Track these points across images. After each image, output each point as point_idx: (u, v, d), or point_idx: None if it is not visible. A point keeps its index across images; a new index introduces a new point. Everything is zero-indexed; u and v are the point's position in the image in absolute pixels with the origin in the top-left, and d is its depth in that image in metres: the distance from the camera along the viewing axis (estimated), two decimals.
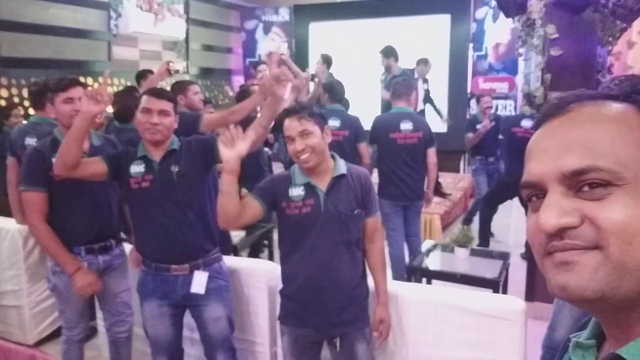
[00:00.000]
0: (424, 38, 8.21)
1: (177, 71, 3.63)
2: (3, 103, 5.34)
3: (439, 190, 5.90)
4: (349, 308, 1.96)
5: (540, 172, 0.54)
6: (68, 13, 6.28)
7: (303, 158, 1.89)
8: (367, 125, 4.04)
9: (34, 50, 5.78)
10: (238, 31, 9.72)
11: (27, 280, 3.12)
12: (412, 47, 6.58)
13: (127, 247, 2.62)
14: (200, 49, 8.70)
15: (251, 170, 3.78)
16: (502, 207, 4.92)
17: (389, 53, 5.52)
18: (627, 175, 0.49)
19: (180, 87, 3.60)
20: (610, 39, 3.26)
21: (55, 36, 5.99)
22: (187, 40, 8.23)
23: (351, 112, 4.29)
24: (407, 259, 3.78)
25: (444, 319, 2.13)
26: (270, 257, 4.16)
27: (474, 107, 7.92)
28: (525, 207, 4.63)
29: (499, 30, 7.93)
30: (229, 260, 2.56)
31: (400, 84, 4.02)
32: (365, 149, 3.96)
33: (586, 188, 0.50)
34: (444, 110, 7.24)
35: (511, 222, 5.30)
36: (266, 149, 5.05)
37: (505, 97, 7.83)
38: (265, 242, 4.34)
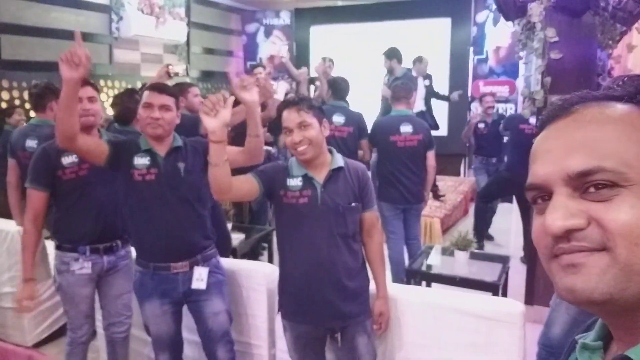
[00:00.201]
0: (425, 41, 8.22)
1: (176, 74, 3.64)
2: (4, 105, 5.35)
3: (435, 193, 5.90)
4: (348, 301, 1.96)
5: (545, 174, 0.54)
6: (69, 16, 6.29)
7: (300, 150, 1.89)
8: (368, 127, 4.06)
9: (35, 53, 5.79)
10: (239, 34, 9.75)
11: None
12: (412, 51, 6.58)
13: (133, 249, 2.62)
14: (201, 52, 8.72)
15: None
16: (501, 211, 4.91)
17: (392, 55, 5.53)
18: (633, 176, 0.49)
19: (180, 89, 3.60)
20: (610, 42, 3.26)
21: (57, 39, 6.00)
22: (188, 43, 8.25)
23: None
24: (406, 262, 3.78)
25: (443, 322, 2.12)
26: (270, 260, 4.15)
27: (474, 110, 7.93)
28: (523, 207, 4.63)
29: (499, 34, 7.93)
30: (228, 263, 2.57)
31: (399, 87, 4.03)
32: (366, 146, 4.01)
33: (592, 189, 0.50)
34: (446, 110, 7.23)
35: (511, 226, 5.28)
36: (268, 148, 5.05)
37: (506, 101, 7.83)
38: (265, 244, 4.34)
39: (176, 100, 2.20)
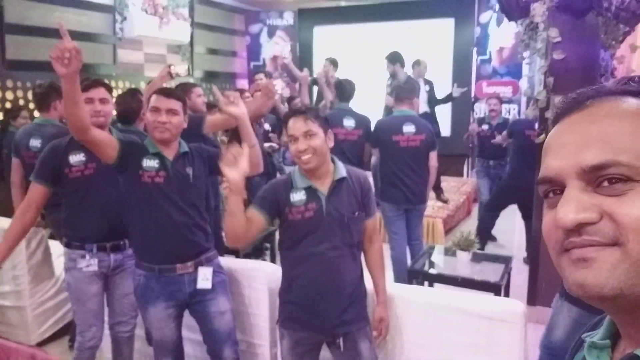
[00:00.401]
0: (428, 42, 8.22)
1: (177, 74, 3.65)
2: (8, 105, 5.38)
3: (439, 196, 5.90)
4: (351, 308, 1.97)
5: (559, 167, 0.53)
6: (73, 16, 6.31)
7: (304, 159, 1.89)
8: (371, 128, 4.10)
9: (40, 53, 5.81)
10: (242, 35, 9.76)
11: (30, 281, 3.13)
12: (415, 51, 6.58)
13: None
14: (204, 53, 8.73)
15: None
16: (504, 212, 4.90)
17: (394, 59, 5.50)
18: None
19: (183, 90, 3.61)
20: (613, 42, 3.26)
21: (61, 39, 6.01)
22: (191, 43, 8.26)
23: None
24: (409, 263, 3.78)
25: (444, 322, 2.12)
26: (273, 260, 4.16)
27: (477, 111, 7.92)
28: (525, 212, 4.61)
29: (503, 35, 7.91)
30: (230, 262, 2.58)
31: (402, 88, 4.03)
32: (368, 147, 4.07)
33: (606, 183, 0.50)
34: (449, 111, 7.19)
35: (514, 227, 5.28)
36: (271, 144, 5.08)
37: (509, 101, 7.81)
38: (267, 244, 4.35)
39: (184, 104, 2.22)
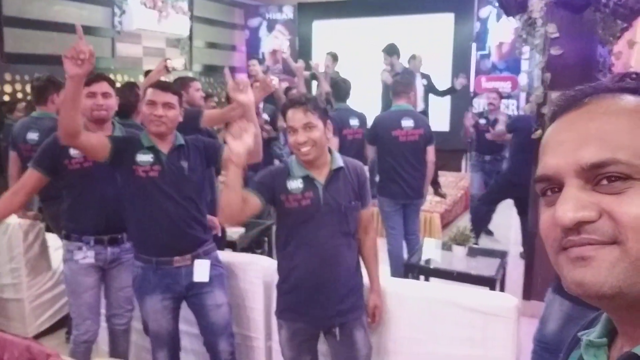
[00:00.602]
0: (428, 36, 8.21)
1: (174, 68, 3.65)
2: (7, 98, 5.38)
3: (437, 190, 5.90)
4: (347, 297, 1.99)
5: (557, 165, 0.53)
6: (72, 9, 6.31)
7: (304, 150, 1.89)
8: (369, 123, 4.10)
9: (38, 46, 5.81)
10: (242, 29, 9.74)
11: (27, 274, 3.14)
12: (415, 46, 6.57)
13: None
14: (204, 47, 8.72)
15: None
16: (501, 206, 4.91)
17: (391, 51, 5.52)
18: None
19: (181, 84, 3.62)
20: (611, 38, 3.25)
21: (59, 32, 6.02)
22: (190, 37, 8.25)
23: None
24: (405, 258, 3.79)
25: (438, 316, 2.14)
26: (270, 254, 4.17)
27: (476, 106, 7.91)
28: (520, 209, 4.61)
29: (502, 30, 7.91)
30: (226, 256, 2.59)
31: (399, 82, 4.03)
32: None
33: (604, 181, 0.49)
34: (448, 106, 7.15)
35: (510, 222, 5.29)
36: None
37: (508, 97, 7.81)
38: (265, 238, 4.36)
39: (179, 98, 2.22)
